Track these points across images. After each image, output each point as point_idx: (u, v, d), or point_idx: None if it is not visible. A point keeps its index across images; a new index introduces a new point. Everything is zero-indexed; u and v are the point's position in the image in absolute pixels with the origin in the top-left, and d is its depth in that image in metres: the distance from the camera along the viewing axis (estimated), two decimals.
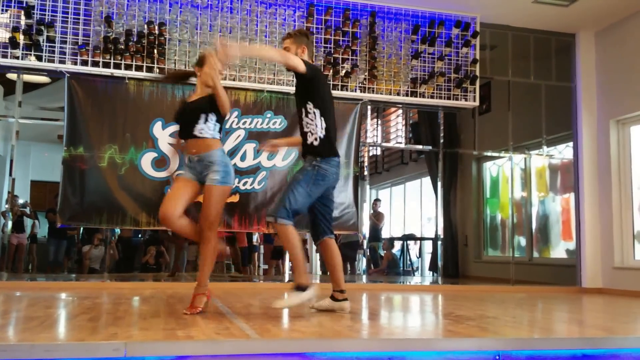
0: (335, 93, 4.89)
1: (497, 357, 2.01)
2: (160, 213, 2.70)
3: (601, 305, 4.04)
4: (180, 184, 2.77)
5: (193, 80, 2.99)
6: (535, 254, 6.55)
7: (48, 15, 4.39)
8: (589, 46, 5.57)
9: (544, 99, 5.72)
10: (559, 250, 6.37)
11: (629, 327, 2.82)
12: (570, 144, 5.74)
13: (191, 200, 2.78)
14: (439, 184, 5.84)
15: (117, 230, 7.13)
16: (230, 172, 2.76)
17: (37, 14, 4.37)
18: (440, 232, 5.93)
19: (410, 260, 8.18)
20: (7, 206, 4.87)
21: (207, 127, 2.74)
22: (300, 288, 2.67)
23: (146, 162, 4.54)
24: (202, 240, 2.73)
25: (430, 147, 6.49)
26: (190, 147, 2.77)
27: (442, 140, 5.68)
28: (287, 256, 6.43)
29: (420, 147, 7.34)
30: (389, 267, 7.48)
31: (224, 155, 2.78)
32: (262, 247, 7.26)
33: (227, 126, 4.73)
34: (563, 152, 6.10)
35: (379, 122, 9.59)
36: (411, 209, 9.24)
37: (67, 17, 4.43)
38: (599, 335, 2.40)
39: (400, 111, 8.79)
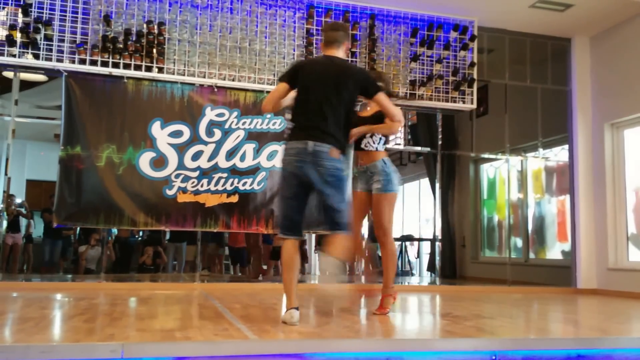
0: None
1: (494, 357, 2.03)
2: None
3: (596, 306, 4.07)
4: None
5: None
6: (532, 255, 6.58)
7: (46, 13, 4.37)
8: (584, 50, 5.61)
9: (540, 102, 5.76)
10: (554, 251, 6.41)
11: (623, 328, 2.84)
12: (566, 146, 5.77)
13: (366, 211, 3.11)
14: (437, 185, 5.86)
15: (114, 231, 7.10)
16: (393, 179, 2.96)
17: (34, 11, 4.35)
18: (438, 233, 5.94)
19: (408, 260, 8.20)
20: (2, 205, 4.84)
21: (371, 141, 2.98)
22: None
23: (144, 161, 4.53)
24: (381, 246, 3.00)
25: (428, 149, 6.51)
26: (358, 158, 3.03)
27: (440, 142, 5.69)
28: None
29: (418, 148, 7.35)
30: None
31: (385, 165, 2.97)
32: (262, 247, 7.24)
33: (227, 127, 4.73)
34: (559, 154, 6.13)
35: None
36: (409, 210, 9.26)
37: (65, 16, 4.41)
38: (593, 335, 2.42)
39: None
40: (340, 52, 2.74)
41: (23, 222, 7.47)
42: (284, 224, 2.57)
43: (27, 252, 7.62)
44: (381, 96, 2.68)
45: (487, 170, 7.31)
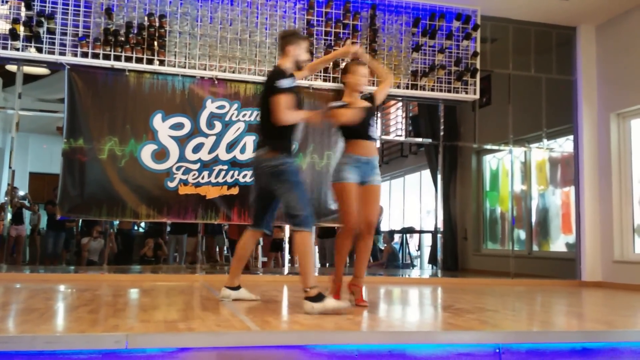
0: (335, 85, 4.88)
1: (497, 350, 2.02)
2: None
3: (601, 299, 4.06)
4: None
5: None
6: (535, 248, 6.57)
7: (48, 7, 4.36)
8: (590, 39, 5.55)
9: (544, 92, 5.70)
10: (558, 243, 6.39)
11: (628, 321, 2.82)
12: (571, 137, 5.73)
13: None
14: (439, 177, 5.84)
15: (116, 223, 7.12)
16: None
17: (37, 5, 4.34)
18: (440, 225, 5.93)
19: (409, 253, 8.20)
20: (6, 198, 4.86)
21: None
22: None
23: (146, 154, 4.53)
24: (364, 239, 3.05)
25: (430, 140, 6.48)
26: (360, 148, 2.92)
27: (442, 133, 5.66)
28: (286, 248, 6.45)
29: (420, 140, 7.33)
30: (388, 260, 7.50)
31: None
32: (261, 239, 7.25)
33: (227, 119, 4.72)
34: (563, 145, 6.09)
35: (379, 114, 9.55)
36: (410, 202, 9.25)
37: (68, 9, 4.41)
38: (598, 328, 2.41)
39: (400, 104, 8.76)
40: (283, 60, 2.87)
41: (26, 214, 7.52)
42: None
43: (30, 244, 7.67)
44: (274, 99, 2.70)
45: (490, 162, 7.28)
